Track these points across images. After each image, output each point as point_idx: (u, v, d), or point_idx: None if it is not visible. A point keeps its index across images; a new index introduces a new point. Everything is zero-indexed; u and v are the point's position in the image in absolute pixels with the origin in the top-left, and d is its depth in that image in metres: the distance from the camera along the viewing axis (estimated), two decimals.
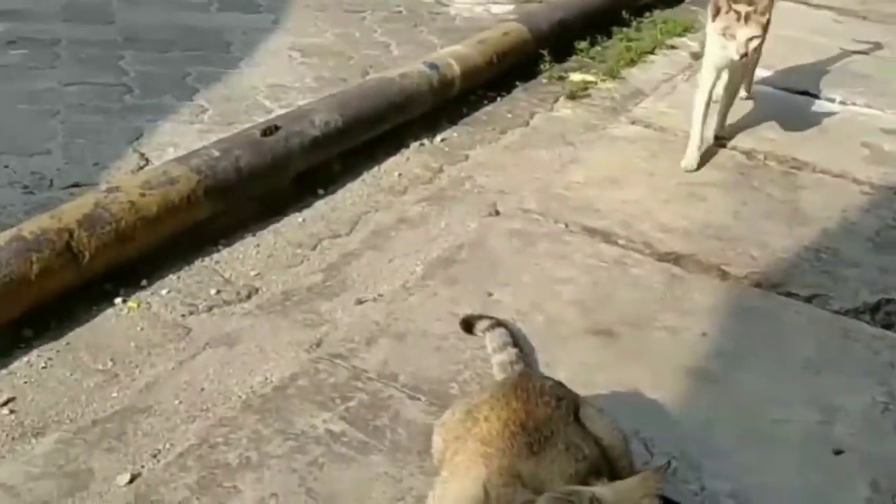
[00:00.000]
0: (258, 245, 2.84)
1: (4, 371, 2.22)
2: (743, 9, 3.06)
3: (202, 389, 2.22)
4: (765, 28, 3.13)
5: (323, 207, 3.09)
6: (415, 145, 3.55)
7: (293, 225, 2.97)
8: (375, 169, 3.36)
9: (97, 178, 3.09)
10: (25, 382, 2.20)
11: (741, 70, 3.47)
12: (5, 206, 2.86)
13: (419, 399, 2.19)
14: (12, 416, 2.09)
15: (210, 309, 2.52)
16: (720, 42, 3.13)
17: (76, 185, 3.03)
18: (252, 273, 2.70)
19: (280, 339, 2.42)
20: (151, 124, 3.48)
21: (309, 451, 2.02)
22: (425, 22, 4.86)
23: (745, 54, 3.07)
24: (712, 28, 3.18)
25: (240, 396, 2.20)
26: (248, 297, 2.59)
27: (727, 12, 3.07)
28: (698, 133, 3.34)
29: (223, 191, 2.79)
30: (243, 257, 2.78)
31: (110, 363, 2.29)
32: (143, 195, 2.59)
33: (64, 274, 2.38)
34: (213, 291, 2.59)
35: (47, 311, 2.39)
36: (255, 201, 2.98)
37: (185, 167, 2.74)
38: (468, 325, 2.41)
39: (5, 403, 2.12)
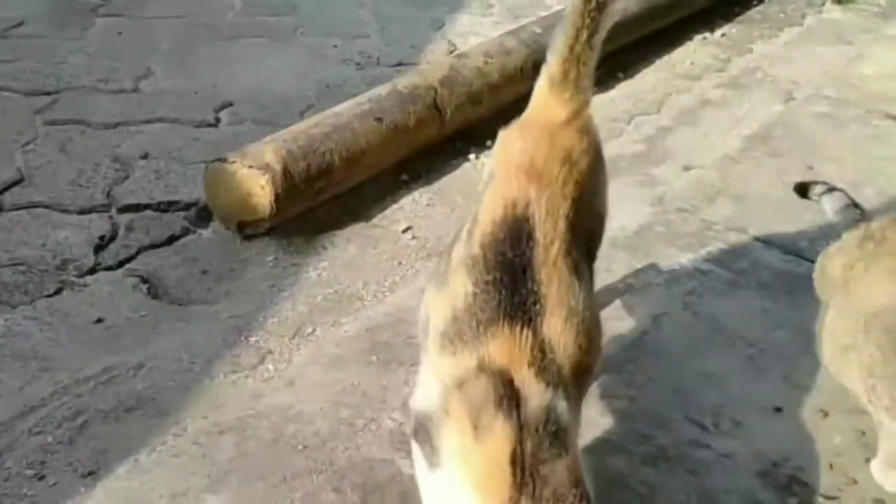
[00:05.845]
0: None
1: (396, 206, 2.51)
2: None
3: None
4: None
5: (626, 88, 3.25)
6: (697, 38, 3.67)
7: (605, 101, 3.14)
8: (666, 57, 3.49)
9: (416, 58, 3.35)
10: (415, 216, 2.48)
11: None
12: (346, 80, 3.16)
13: (774, 248, 2.35)
14: (415, 241, 2.37)
15: None
16: None
17: (400, 64, 3.30)
18: None
19: (624, 193, 2.60)
20: (450, 16, 3.72)
21: (683, 282, 2.22)
22: None
23: None
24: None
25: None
26: None
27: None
28: None
29: None
30: None
31: None
32: (486, 62, 2.82)
33: (432, 127, 2.64)
34: None
35: (416, 162, 2.66)
36: None
37: (516, 40, 2.95)
38: (803, 189, 2.50)
39: (405, 230, 2.40)
